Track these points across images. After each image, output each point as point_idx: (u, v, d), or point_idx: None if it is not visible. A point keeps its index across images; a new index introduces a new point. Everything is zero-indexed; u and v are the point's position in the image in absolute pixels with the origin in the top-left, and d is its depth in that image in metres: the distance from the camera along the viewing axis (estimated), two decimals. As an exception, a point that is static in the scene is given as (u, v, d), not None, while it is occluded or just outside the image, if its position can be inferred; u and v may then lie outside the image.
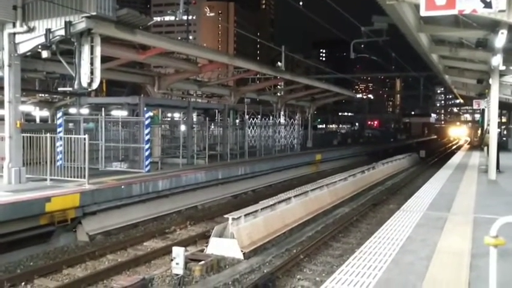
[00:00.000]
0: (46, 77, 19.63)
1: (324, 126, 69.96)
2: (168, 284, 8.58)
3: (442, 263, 6.30)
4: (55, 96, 23.43)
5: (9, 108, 12.27)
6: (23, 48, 12.27)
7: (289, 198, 13.40)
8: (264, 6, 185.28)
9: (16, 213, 9.85)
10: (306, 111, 39.11)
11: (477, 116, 72.75)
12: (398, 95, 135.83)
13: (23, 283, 8.67)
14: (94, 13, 11.26)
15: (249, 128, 27.39)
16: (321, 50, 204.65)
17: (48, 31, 11.70)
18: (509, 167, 18.64)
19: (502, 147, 21.42)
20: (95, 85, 12.25)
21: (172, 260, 8.12)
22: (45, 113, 25.49)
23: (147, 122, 15.78)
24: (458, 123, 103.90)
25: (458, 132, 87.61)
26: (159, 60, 19.91)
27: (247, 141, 25.05)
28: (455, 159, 26.16)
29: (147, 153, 15.73)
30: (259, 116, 28.58)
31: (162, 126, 23.07)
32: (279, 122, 32.17)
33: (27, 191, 11.14)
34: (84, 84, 11.98)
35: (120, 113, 20.11)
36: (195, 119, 24.41)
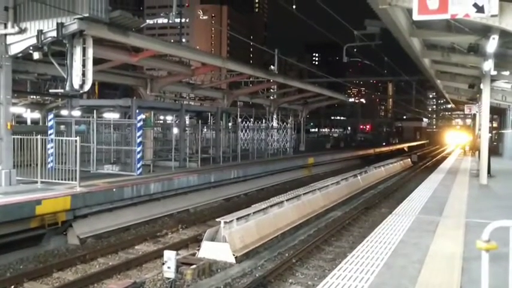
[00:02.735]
0: (37, 78, 19.45)
1: (316, 130, 70.14)
2: (159, 288, 8.52)
3: (434, 267, 6.31)
4: (46, 98, 23.29)
5: (0, 109, 12.16)
6: (14, 50, 12.15)
7: (282, 201, 13.37)
8: (257, 10, 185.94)
9: (6, 215, 9.72)
10: (298, 115, 39.16)
11: (468, 121, 72.61)
12: (390, 99, 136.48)
13: (12, 287, 8.56)
14: (86, 15, 11.18)
15: (242, 131, 27.37)
16: (314, 54, 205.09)
17: (40, 32, 11.60)
18: (500, 172, 18.78)
19: (493, 151, 21.57)
20: (86, 87, 12.16)
21: (163, 263, 8.08)
22: (37, 115, 25.32)
23: (139, 125, 15.71)
24: (458, 126, 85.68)
25: (457, 139, 65.99)
26: (152, 63, 19.87)
27: (240, 144, 25.03)
28: (447, 163, 26.30)
29: (139, 155, 15.65)
30: (252, 119, 28.58)
31: (155, 128, 22.98)
32: (272, 125, 32.20)
33: (17, 193, 11.02)
34: (76, 86, 11.89)
35: (112, 116, 20.02)
36: (187, 122, 24.34)
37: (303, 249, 11.05)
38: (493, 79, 17.95)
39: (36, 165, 12.47)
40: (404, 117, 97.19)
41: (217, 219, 10.73)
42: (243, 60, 56.72)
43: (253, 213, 11.61)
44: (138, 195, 13.71)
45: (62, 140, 14.21)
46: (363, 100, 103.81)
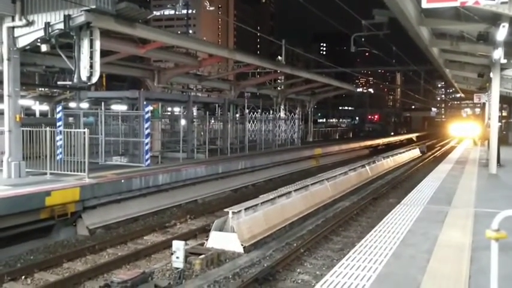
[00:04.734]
0: (45, 71, 19.58)
1: (324, 120, 69.93)
2: (168, 278, 8.57)
3: (443, 257, 6.29)
4: (55, 90, 23.38)
5: (9, 102, 12.24)
6: (22, 42, 12.22)
7: (290, 192, 13.38)
8: (264, 0, 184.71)
9: (16, 207, 9.84)
10: (306, 106, 39.05)
11: (477, 110, 71.71)
12: (398, 89, 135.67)
13: (23, 277, 8.67)
14: (93, 6, 11.18)
15: (249, 122, 27.36)
16: (322, 44, 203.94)
17: (48, 25, 11.64)
18: (510, 161, 18.62)
19: (502, 141, 21.41)
20: (94, 79, 12.20)
21: (172, 253, 8.12)
22: (45, 107, 25.46)
23: (147, 116, 15.75)
24: (465, 115, 77.62)
25: (466, 130, 54.13)
26: (159, 54, 19.84)
27: (248, 135, 25.03)
28: (456, 153, 26.15)
29: (147, 147, 15.71)
30: (259, 110, 28.55)
31: (162, 120, 23.05)
32: (279, 116, 32.14)
33: (27, 185, 11.13)
34: (84, 78, 11.94)
35: (120, 107, 20.08)
36: (195, 113, 24.37)
37: (311, 239, 11.06)
38: (503, 68, 17.74)
39: (45, 157, 12.57)
40: (413, 107, 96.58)
41: (225, 210, 10.76)
42: (250, 51, 56.54)
43: (261, 203, 11.64)
44: (146, 186, 13.79)
45: (70, 132, 14.28)
46: (371, 90, 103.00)
